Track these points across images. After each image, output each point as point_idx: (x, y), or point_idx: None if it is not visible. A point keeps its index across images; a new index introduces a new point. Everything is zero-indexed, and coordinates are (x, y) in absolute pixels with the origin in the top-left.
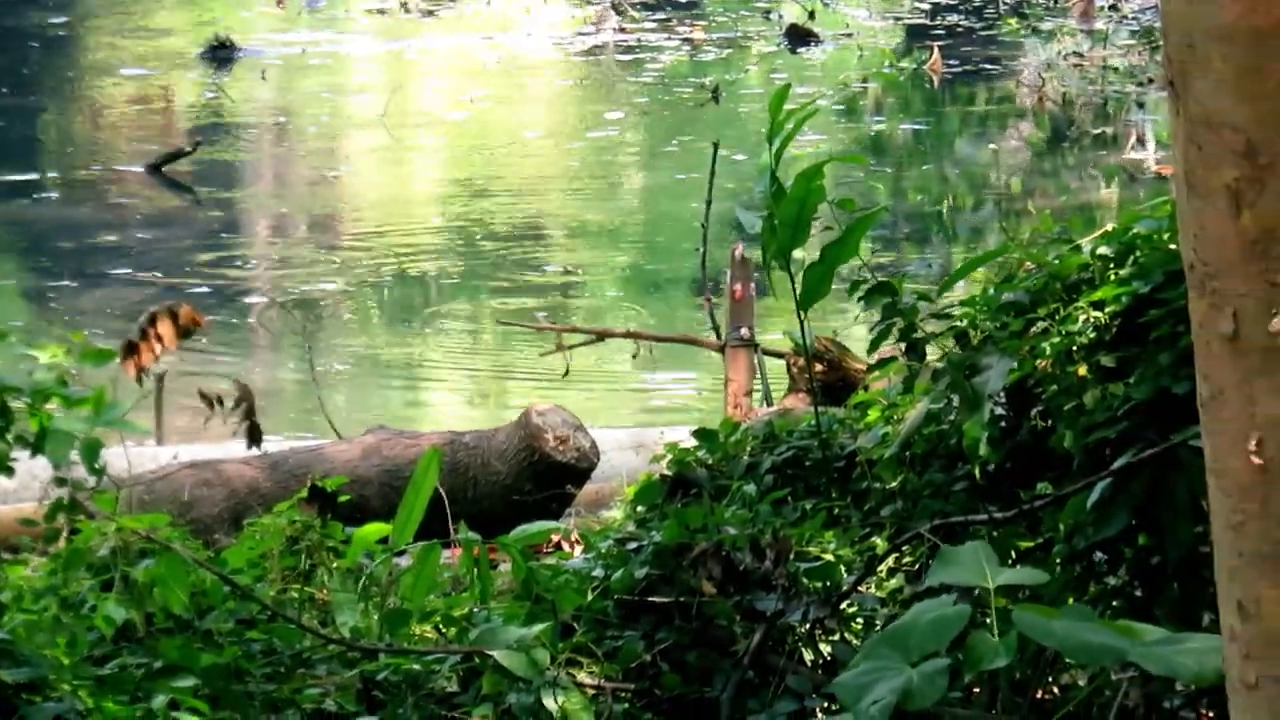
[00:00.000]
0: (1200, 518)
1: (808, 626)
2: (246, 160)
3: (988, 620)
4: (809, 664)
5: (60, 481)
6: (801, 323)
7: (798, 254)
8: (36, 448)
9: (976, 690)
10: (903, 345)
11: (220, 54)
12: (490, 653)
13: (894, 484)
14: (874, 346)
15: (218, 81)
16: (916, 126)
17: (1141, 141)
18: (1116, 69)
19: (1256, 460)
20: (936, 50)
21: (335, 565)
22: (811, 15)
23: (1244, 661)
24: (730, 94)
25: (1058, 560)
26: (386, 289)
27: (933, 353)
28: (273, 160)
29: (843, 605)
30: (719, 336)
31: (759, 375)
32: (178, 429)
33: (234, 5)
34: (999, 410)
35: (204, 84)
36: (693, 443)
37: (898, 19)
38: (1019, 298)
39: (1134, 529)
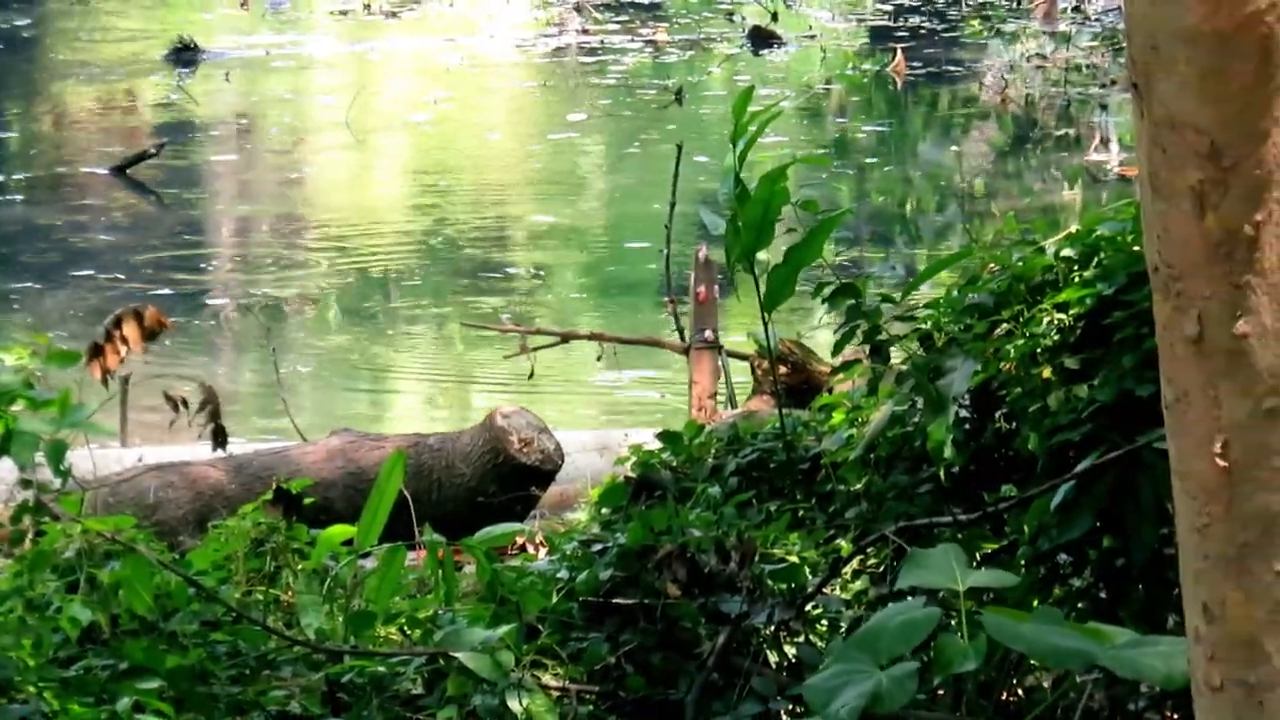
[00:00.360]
0: (1165, 520)
1: (772, 628)
2: (211, 162)
3: (954, 622)
4: (774, 666)
5: (25, 483)
6: (766, 325)
7: (762, 256)
8: (1, 450)
9: (941, 691)
10: (867, 347)
11: (184, 56)
12: (455, 655)
13: (858, 486)
14: (838, 349)
15: (182, 84)
16: (880, 128)
17: (1105, 143)
18: (1079, 70)
19: (1221, 463)
20: (900, 52)
21: (300, 567)
22: (774, 17)
23: (1209, 664)
24: (693, 96)
25: (1022, 562)
26: (350, 291)
27: (897, 355)
28: (237, 162)
29: (807, 607)
30: (683, 338)
31: (723, 377)
32: (143, 431)
33: (197, 7)
34: (963, 413)
35: (168, 86)
36: (657, 445)
37: (860, 21)
38: (983, 300)
39: (1098, 531)
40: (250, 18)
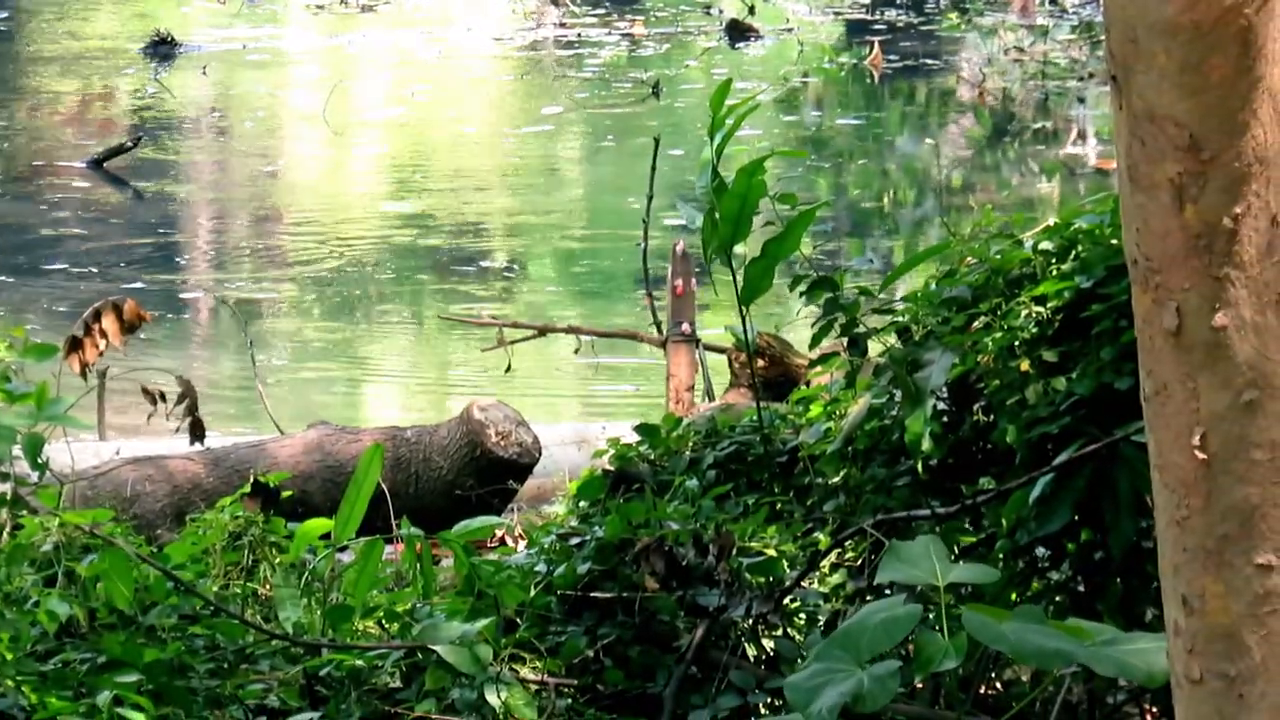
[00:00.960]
0: (1143, 512)
1: (750, 622)
2: (188, 156)
3: (933, 615)
4: (751, 659)
5: (3, 477)
6: (743, 318)
7: (739, 249)
8: None
9: (920, 685)
10: (845, 340)
11: (161, 50)
12: (433, 648)
13: (836, 479)
14: (816, 342)
15: (159, 77)
16: (857, 121)
17: (1082, 136)
18: (1057, 64)
19: (1200, 455)
20: (877, 45)
21: (278, 561)
22: (751, 10)
23: (1188, 656)
24: (670, 89)
25: (1000, 556)
26: (327, 284)
27: (875, 348)
28: (214, 156)
29: (785, 600)
30: (660, 332)
31: (701, 370)
32: (120, 424)
33: (174, 1)
34: (941, 405)
35: (145, 79)
36: (635, 438)
37: (838, 14)
38: (961, 293)
39: (1077, 524)
40: (226, 11)
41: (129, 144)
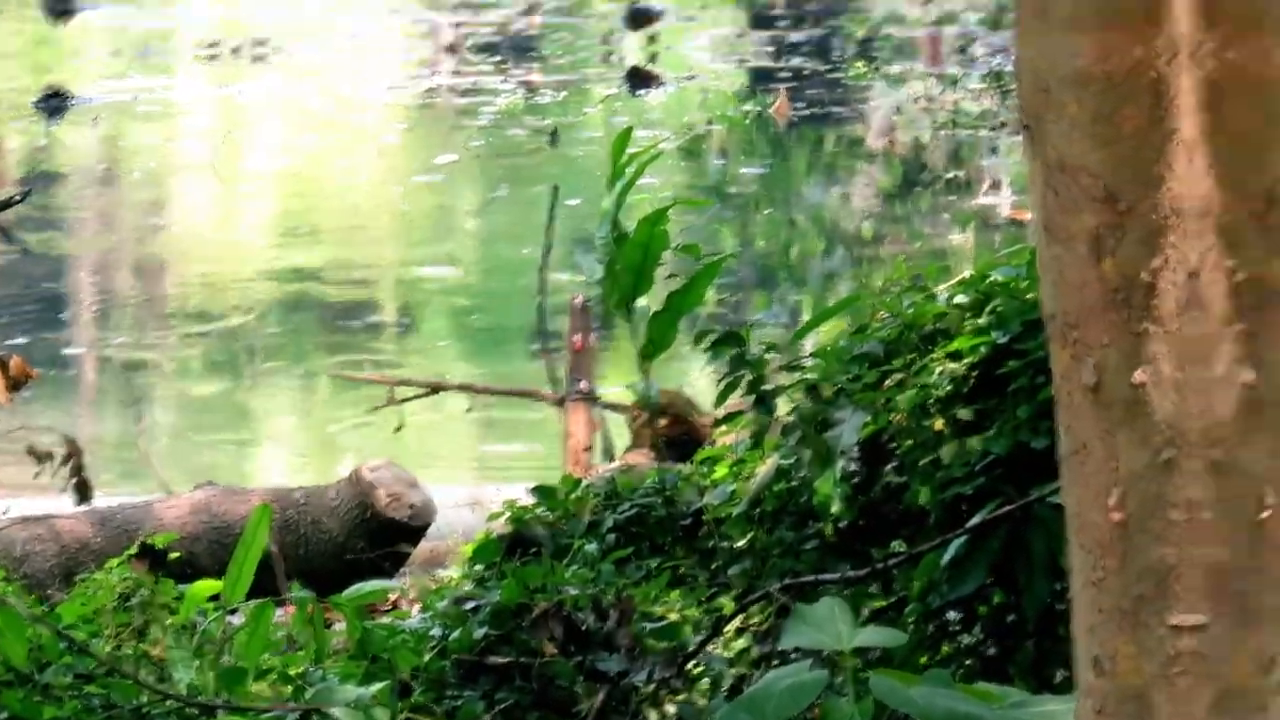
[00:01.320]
0: (1057, 574)
1: (652, 687)
2: (76, 209)
3: (840, 680)
4: None
5: None
6: (645, 374)
7: (641, 302)
8: None
9: None
10: (751, 398)
11: (53, 103)
12: (329, 711)
13: (742, 542)
14: (721, 399)
15: (50, 130)
16: (762, 170)
17: (995, 186)
18: (968, 113)
19: (1117, 515)
20: (783, 92)
21: (169, 622)
22: (653, 58)
23: (1096, 717)
24: (568, 137)
25: (911, 619)
26: (214, 341)
27: (783, 406)
28: (102, 209)
29: (688, 665)
30: (558, 389)
31: (600, 429)
32: (7, 482)
33: (67, 54)
34: (852, 466)
35: (36, 132)
36: (531, 500)
37: (741, 61)
38: (873, 348)
39: (989, 587)
40: (118, 62)
41: (17, 198)
